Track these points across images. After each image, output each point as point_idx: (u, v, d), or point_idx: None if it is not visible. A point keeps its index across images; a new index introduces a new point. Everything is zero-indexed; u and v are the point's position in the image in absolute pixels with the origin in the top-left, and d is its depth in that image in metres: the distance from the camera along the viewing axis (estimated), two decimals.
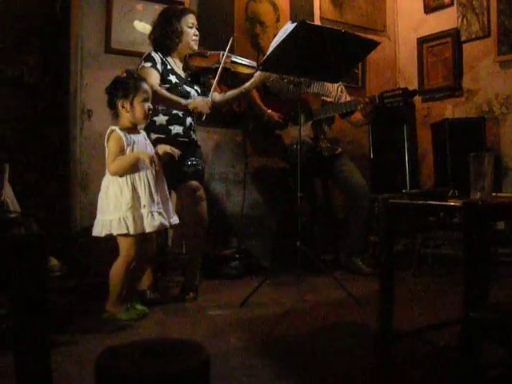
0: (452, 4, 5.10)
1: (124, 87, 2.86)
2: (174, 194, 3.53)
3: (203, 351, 0.92)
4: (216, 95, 3.59)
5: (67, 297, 3.23)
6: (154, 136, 3.28)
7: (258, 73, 3.52)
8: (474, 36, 4.91)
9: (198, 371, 0.90)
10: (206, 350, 0.92)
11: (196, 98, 3.36)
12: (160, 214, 2.87)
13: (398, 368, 2.11)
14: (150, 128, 3.28)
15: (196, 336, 2.58)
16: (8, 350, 2.13)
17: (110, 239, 2.85)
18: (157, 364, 0.91)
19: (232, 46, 3.49)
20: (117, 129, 2.83)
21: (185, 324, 2.82)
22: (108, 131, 2.85)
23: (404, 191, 2.56)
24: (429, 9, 5.35)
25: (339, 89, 4.33)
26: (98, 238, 2.84)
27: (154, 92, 3.07)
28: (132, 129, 2.91)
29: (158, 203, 2.87)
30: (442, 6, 5.21)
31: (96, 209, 2.89)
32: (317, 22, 5.05)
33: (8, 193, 2.41)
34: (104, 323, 2.77)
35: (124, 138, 2.81)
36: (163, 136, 3.32)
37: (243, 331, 2.68)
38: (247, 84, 3.57)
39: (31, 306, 1.34)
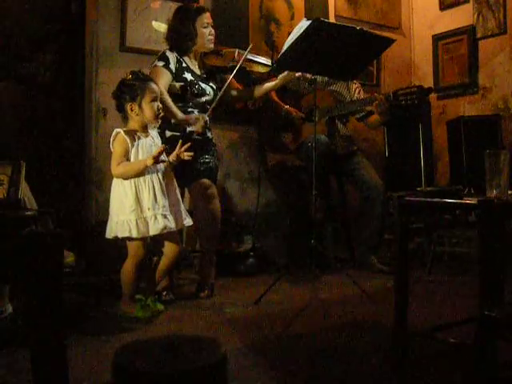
0: (468, 1, 5.07)
1: (130, 90, 2.85)
2: (187, 193, 3.55)
3: (220, 348, 0.93)
4: (234, 92, 3.70)
5: (84, 293, 3.26)
6: (168, 133, 3.31)
7: (283, 74, 3.60)
8: (489, 33, 4.88)
9: (215, 368, 0.90)
10: (223, 347, 0.93)
11: (192, 116, 3.35)
12: (165, 216, 2.85)
13: (413, 366, 2.10)
14: (166, 125, 3.29)
15: (211, 333, 2.59)
16: (21, 347, 2.18)
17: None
18: (175, 361, 0.91)
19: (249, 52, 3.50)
20: (121, 131, 2.83)
21: (200, 321, 2.83)
22: (113, 133, 2.85)
23: (419, 189, 2.55)
24: (444, 5, 5.33)
25: (357, 90, 4.32)
26: None
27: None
28: (140, 131, 2.91)
29: (163, 206, 2.86)
30: (457, 3, 5.18)
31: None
32: (331, 19, 5.04)
33: (25, 190, 2.43)
34: (120, 320, 2.79)
35: (128, 141, 2.82)
36: (178, 133, 3.34)
37: (258, 329, 2.68)
38: (271, 84, 3.66)
39: (46, 304, 1.35)
